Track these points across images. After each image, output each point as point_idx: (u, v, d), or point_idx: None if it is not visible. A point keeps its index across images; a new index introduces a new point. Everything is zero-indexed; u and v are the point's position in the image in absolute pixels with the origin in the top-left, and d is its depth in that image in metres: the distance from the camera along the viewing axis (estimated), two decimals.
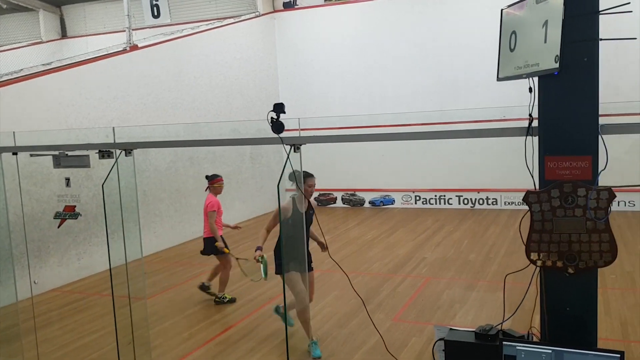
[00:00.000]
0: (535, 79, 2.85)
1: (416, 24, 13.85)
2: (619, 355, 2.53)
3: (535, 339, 2.97)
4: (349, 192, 14.77)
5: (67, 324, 6.93)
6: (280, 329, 6.28)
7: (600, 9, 2.65)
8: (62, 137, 8.70)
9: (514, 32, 2.93)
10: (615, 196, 2.72)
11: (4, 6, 14.64)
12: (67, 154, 4.38)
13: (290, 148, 3.68)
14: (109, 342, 6.05)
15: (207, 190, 7.66)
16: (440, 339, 3.09)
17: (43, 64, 9.50)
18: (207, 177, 7.73)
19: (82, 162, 4.36)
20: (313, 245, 5.92)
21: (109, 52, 10.32)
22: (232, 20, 13.62)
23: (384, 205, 14.38)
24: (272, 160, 14.26)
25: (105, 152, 4.18)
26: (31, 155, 4.95)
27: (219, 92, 12.80)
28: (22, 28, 15.94)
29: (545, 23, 2.67)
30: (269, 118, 3.59)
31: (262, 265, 5.67)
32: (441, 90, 13.57)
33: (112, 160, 4.26)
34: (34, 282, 7.86)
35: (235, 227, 7.99)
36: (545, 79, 2.79)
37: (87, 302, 7.79)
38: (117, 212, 4.81)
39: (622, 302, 6.68)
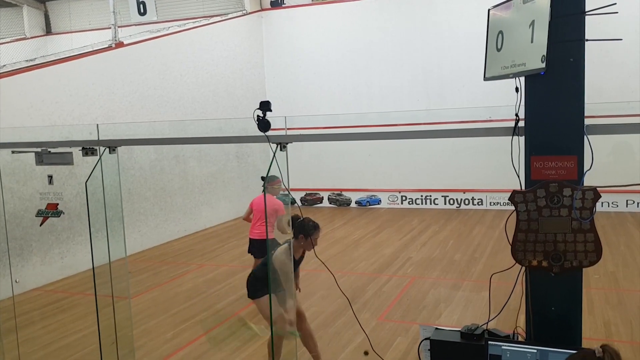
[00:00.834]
0: (522, 78, 2.85)
1: (403, 23, 13.88)
2: None
3: (520, 339, 2.98)
4: (336, 192, 14.77)
5: (50, 324, 6.85)
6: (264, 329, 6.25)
7: (586, 9, 2.66)
8: (45, 134, 8.58)
9: (500, 32, 2.93)
10: (600, 196, 2.73)
11: None
12: (49, 151, 4.31)
13: (277, 147, 3.65)
14: (92, 342, 5.98)
15: (264, 191, 6.91)
16: (425, 339, 3.09)
17: (26, 60, 9.37)
18: (263, 177, 7.29)
19: (65, 160, 4.29)
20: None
21: (94, 49, 10.21)
22: (219, 18, 13.55)
23: (370, 205, 14.40)
24: (258, 159, 14.21)
25: (88, 149, 4.12)
26: (13, 152, 4.86)
27: (205, 91, 12.73)
28: (6, 24, 15.72)
29: (532, 23, 2.67)
30: (255, 116, 3.56)
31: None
32: (428, 91, 13.63)
33: (96, 158, 4.21)
34: (16, 281, 7.76)
35: None
36: (532, 79, 2.79)
37: (70, 302, 7.70)
38: (101, 210, 4.75)
39: (605, 302, 6.74)
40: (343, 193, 14.71)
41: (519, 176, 2.93)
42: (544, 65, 2.58)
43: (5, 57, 10.11)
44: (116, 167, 4.27)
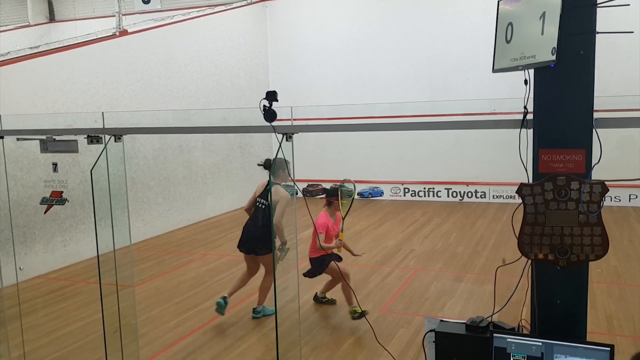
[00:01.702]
0: (531, 71, 2.83)
1: (408, 14, 13.82)
2: (608, 349, 2.54)
3: (525, 332, 2.98)
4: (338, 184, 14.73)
5: (53, 311, 6.88)
6: (267, 319, 6.26)
7: (598, 2, 2.63)
8: (49, 122, 8.58)
9: (510, 24, 2.91)
10: (608, 190, 2.72)
11: None
12: (54, 139, 4.30)
13: (283, 137, 3.64)
14: (95, 330, 6.01)
15: (327, 206, 6.58)
16: (430, 331, 3.09)
17: (30, 48, 9.34)
18: (326, 190, 6.62)
19: (70, 147, 4.28)
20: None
21: (98, 37, 10.17)
22: (223, 7, 13.49)
23: (372, 197, 14.39)
24: (262, 150, 14.20)
25: (94, 137, 4.11)
26: (18, 139, 4.86)
27: (209, 80, 12.70)
28: (9, 11, 15.66)
29: (543, 15, 2.65)
30: (261, 106, 3.54)
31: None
32: (432, 82, 13.58)
33: (101, 146, 4.20)
34: (20, 268, 7.78)
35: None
36: (542, 71, 2.77)
37: (72, 290, 7.73)
38: (105, 198, 4.75)
39: (608, 296, 6.75)
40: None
41: (526, 169, 2.92)
42: (554, 57, 2.56)
43: (9, 45, 10.08)
44: (121, 156, 4.26)
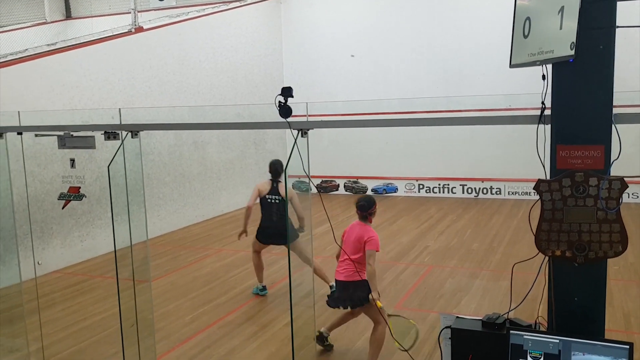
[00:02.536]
0: (549, 66, 2.80)
1: (422, 9, 13.74)
2: (628, 347, 2.52)
3: (542, 329, 2.96)
4: (352, 180, 14.74)
5: (71, 306, 6.96)
6: (282, 315, 6.29)
7: None
8: (66, 118, 8.67)
9: (528, 19, 2.88)
10: (627, 186, 2.69)
11: None
12: (72, 135, 4.34)
13: (298, 133, 3.64)
14: (112, 324, 6.08)
15: (365, 219, 5.28)
16: (446, 327, 3.08)
17: (47, 44, 9.43)
18: (363, 204, 5.33)
19: (88, 143, 4.32)
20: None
21: (114, 34, 10.24)
22: (237, 3, 13.50)
23: (386, 193, 14.36)
24: (276, 146, 14.23)
25: (111, 133, 4.14)
26: (36, 135, 4.91)
27: (224, 77, 12.73)
28: (26, 8, 15.81)
29: (562, 9, 2.62)
30: (277, 102, 3.55)
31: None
32: (447, 78, 13.48)
33: (117, 142, 4.23)
34: (38, 263, 7.88)
35: None
36: (560, 66, 2.74)
37: (89, 284, 7.81)
38: (122, 194, 4.79)
39: (625, 293, 6.68)
40: (359, 181, 14.68)
41: (543, 165, 2.89)
42: (573, 52, 2.53)
43: (26, 42, 10.17)
44: (138, 152, 4.29)
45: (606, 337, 2.74)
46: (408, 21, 13.85)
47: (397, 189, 14.31)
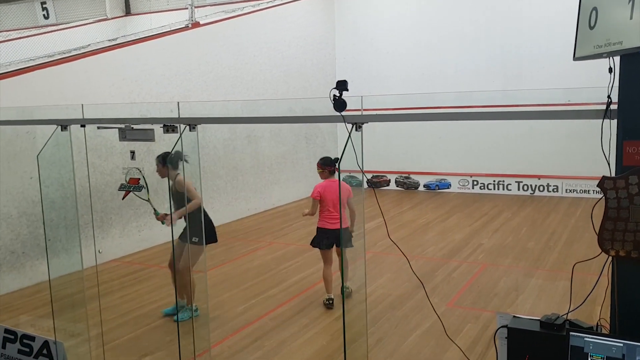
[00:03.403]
0: (616, 58, 2.69)
1: (481, 2, 13.43)
2: None
3: (604, 331, 2.85)
4: (403, 175, 14.60)
5: (128, 294, 7.18)
6: (332, 308, 6.30)
7: None
8: (126, 111, 8.94)
9: (594, 9, 2.77)
10: None
11: None
12: (132, 128, 4.47)
13: (352, 127, 3.63)
14: None
15: (333, 174, 6.41)
16: (502, 327, 3.01)
17: (108, 40, 9.74)
18: (329, 159, 6.58)
19: (147, 136, 4.44)
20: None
21: (172, 29, 10.47)
22: None
23: (439, 189, 14.16)
24: (328, 141, 14.26)
25: (169, 126, 4.24)
26: (98, 127, 5.07)
27: (277, 71, 12.83)
28: (88, 5, 16.38)
29: None
30: (331, 95, 3.54)
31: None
32: (505, 72, 13.13)
33: (175, 135, 4.32)
34: (99, 251, 8.16)
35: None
36: (628, 59, 2.63)
37: (146, 273, 8.04)
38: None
39: None
40: (411, 176, 14.52)
41: (608, 162, 2.79)
42: None
43: (88, 38, 10.52)
44: (195, 145, 4.38)
45: None
46: (466, 13, 13.56)
47: (450, 185, 14.09)
